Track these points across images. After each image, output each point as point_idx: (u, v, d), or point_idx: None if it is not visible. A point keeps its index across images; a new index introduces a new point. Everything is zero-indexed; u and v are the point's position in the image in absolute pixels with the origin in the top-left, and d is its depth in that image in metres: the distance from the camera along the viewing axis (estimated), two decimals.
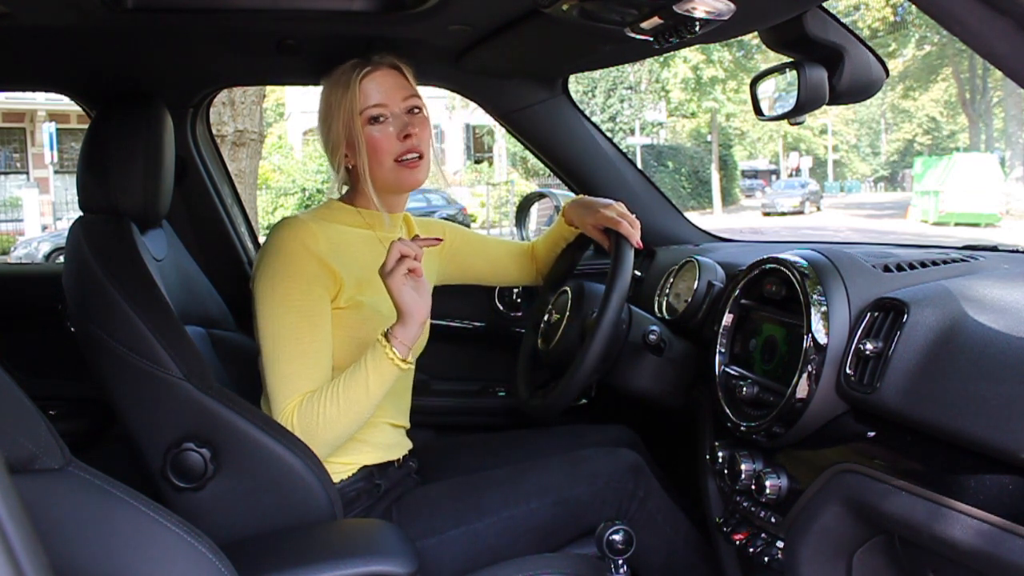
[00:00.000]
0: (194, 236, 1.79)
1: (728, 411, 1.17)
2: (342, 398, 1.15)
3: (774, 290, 1.15)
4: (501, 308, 1.89)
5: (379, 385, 1.15)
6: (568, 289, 1.47)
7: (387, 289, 1.13)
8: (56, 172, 15.44)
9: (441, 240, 1.27)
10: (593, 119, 1.94)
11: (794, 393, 1.02)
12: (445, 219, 1.64)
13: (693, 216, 2.17)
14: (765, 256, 1.19)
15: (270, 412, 1.24)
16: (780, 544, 1.07)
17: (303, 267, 1.18)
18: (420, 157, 1.27)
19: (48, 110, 15.53)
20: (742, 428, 1.12)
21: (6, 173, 16.70)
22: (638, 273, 1.70)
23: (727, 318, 1.24)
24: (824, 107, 1.26)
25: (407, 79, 1.29)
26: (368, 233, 1.31)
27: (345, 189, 1.35)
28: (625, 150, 2.01)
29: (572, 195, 1.82)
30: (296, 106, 20.79)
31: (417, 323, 1.15)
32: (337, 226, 1.27)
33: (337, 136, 1.26)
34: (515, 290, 1.88)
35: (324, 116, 1.28)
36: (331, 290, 1.21)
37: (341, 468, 1.24)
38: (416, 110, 1.28)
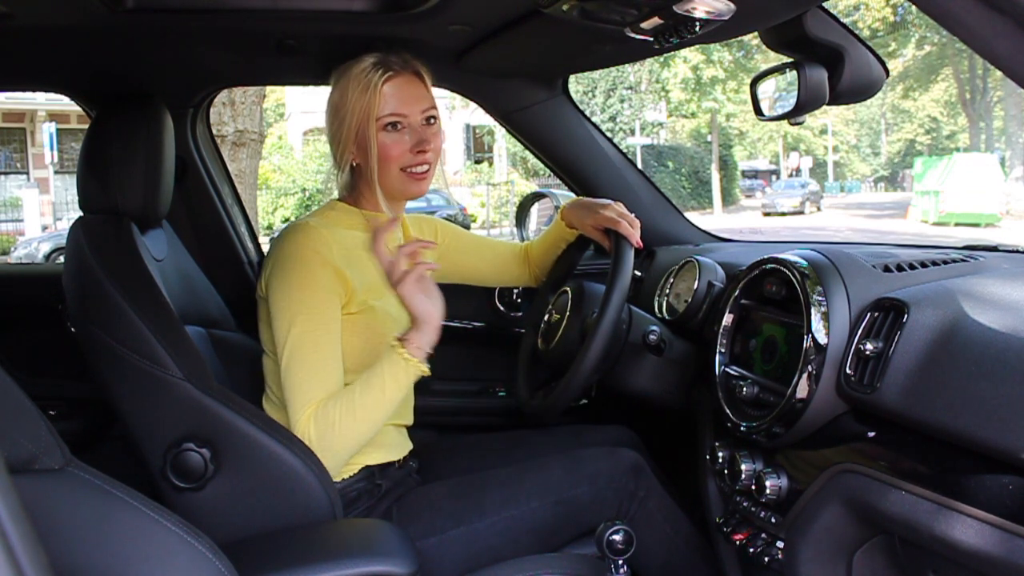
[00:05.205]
0: (194, 236, 1.79)
1: (728, 411, 1.16)
2: (358, 405, 1.15)
3: (774, 290, 1.15)
4: (501, 308, 1.89)
5: (396, 391, 1.16)
6: (568, 289, 1.47)
7: (400, 297, 1.16)
8: (56, 172, 15.44)
9: (434, 243, 1.27)
10: (593, 119, 1.93)
11: (794, 393, 1.02)
12: (445, 219, 1.64)
13: (693, 216, 2.17)
14: (765, 256, 1.19)
15: (272, 413, 1.24)
16: (780, 544, 1.07)
17: (318, 275, 1.18)
18: (427, 171, 1.27)
19: (48, 110, 15.53)
20: (742, 428, 1.12)
21: (6, 173, 16.70)
22: (638, 273, 1.70)
23: (727, 318, 1.24)
24: (824, 107, 1.26)
25: (426, 86, 1.29)
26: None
27: (345, 188, 1.34)
28: (625, 150, 2.01)
29: (572, 195, 1.82)
30: (296, 106, 20.78)
31: (433, 328, 1.16)
32: (345, 231, 1.27)
33: (348, 133, 1.24)
34: (515, 290, 1.88)
35: (336, 110, 1.25)
36: (343, 297, 1.21)
37: (344, 468, 1.24)
38: (432, 120, 1.28)
